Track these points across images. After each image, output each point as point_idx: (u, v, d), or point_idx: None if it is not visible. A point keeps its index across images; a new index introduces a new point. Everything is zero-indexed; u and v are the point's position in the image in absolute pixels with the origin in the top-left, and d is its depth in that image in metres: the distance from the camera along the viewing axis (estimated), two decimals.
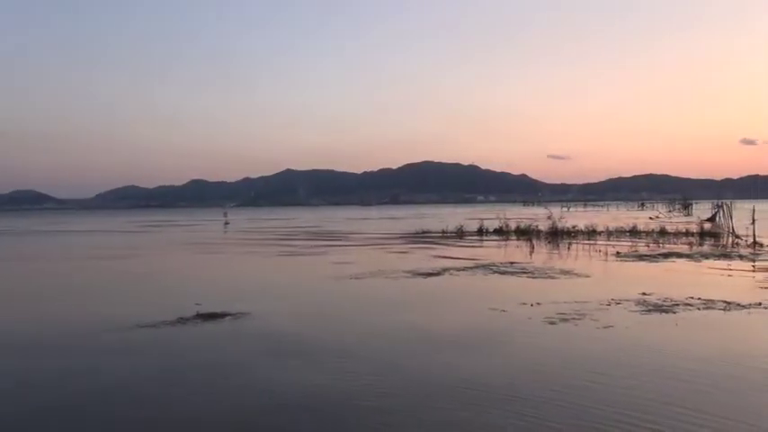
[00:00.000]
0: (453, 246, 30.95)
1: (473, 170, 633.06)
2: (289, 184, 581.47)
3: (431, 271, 19.03)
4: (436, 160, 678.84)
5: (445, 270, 19.16)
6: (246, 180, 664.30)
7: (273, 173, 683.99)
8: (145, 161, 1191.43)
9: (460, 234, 38.58)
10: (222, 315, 11.99)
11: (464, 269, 19.39)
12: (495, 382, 7.52)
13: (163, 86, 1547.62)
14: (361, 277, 18.01)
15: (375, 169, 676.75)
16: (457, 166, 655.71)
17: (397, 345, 9.64)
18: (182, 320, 11.53)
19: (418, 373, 7.94)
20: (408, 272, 18.92)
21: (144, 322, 11.35)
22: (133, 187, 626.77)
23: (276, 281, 18.80)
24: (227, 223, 68.14)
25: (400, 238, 39.09)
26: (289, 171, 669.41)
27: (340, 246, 33.66)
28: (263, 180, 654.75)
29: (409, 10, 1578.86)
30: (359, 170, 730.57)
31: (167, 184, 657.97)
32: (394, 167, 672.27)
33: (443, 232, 40.68)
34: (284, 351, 9.33)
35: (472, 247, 30.14)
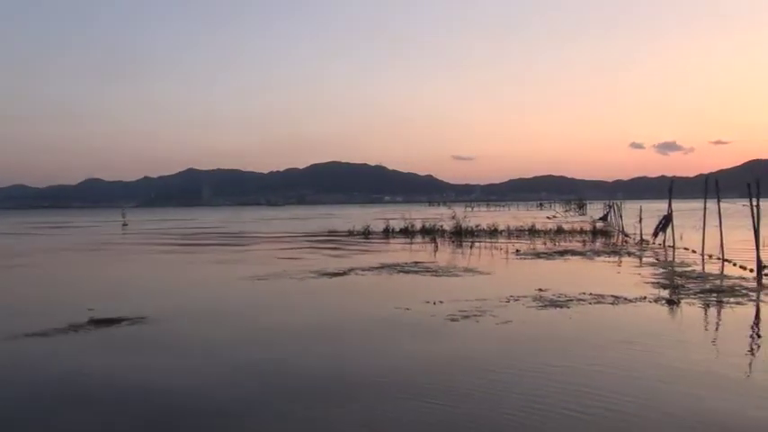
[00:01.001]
0: (360, 246, 31.10)
1: (380, 171, 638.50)
2: (192, 184, 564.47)
3: (336, 271, 19.03)
4: (343, 160, 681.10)
5: (351, 270, 19.21)
6: (146, 179, 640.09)
7: (175, 172, 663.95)
8: (34, 159, 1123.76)
9: (367, 234, 38.81)
10: (118, 320, 11.46)
11: (370, 269, 19.52)
12: (394, 378, 7.61)
13: (55, 79, 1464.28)
14: (266, 278, 17.76)
15: (281, 169, 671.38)
16: (364, 166, 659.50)
17: (294, 344, 9.58)
18: (73, 327, 10.92)
19: (312, 372, 7.92)
20: (314, 272, 18.84)
21: (32, 330, 10.67)
22: (21, 186, 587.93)
23: (177, 283, 18.24)
24: (125, 224, 65.22)
25: (307, 238, 38.86)
26: (192, 170, 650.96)
27: (245, 247, 33.06)
28: (164, 180, 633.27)
29: (317, 9, 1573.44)
30: (265, 170, 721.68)
31: (59, 183, 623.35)
32: (301, 167, 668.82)
33: (350, 232, 40.80)
34: (180, 354, 9.06)
35: (378, 247, 30.39)
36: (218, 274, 20.27)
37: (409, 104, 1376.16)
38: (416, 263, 21.19)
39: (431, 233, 36.29)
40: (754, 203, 16.98)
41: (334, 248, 29.80)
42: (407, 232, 39.12)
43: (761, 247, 17.19)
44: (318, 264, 21.41)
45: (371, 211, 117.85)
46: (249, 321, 11.73)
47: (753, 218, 17.04)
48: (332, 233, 42.25)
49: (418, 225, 40.27)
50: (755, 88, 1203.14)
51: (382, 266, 20.09)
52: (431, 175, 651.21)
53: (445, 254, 25.24)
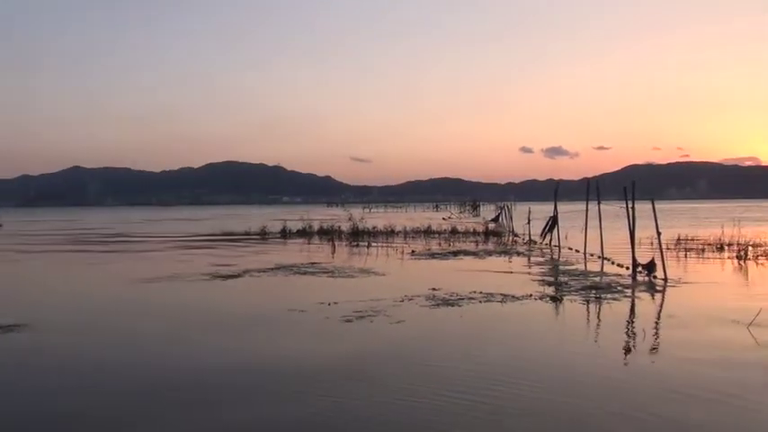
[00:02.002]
0: (256, 247, 30.54)
1: (278, 171, 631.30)
2: (77, 183, 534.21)
3: (230, 273, 18.59)
4: (240, 160, 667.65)
5: (246, 272, 18.82)
6: (25, 177, 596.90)
7: (58, 170, 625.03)
8: None
9: (264, 235, 38.22)
10: None
11: (265, 270, 19.21)
12: (284, 380, 7.53)
13: None
14: (156, 281, 17.08)
15: (175, 168, 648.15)
16: (262, 166, 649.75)
17: (179, 347, 9.27)
18: None
19: (197, 374, 7.70)
20: (207, 274, 18.31)
21: None
22: None
23: (59, 288, 17.17)
24: None
25: (201, 239, 37.74)
26: (77, 168, 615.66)
27: (135, 249, 31.60)
28: (46, 178, 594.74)
29: (213, 7, 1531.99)
30: (157, 169, 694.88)
31: None
32: (195, 167, 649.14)
33: (246, 233, 40.01)
34: (58, 365, 8.53)
35: (275, 248, 29.96)
36: (105, 278, 19.29)
37: (308, 105, 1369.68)
38: (313, 264, 21.07)
39: (328, 234, 36.22)
40: (630, 206, 18.13)
41: (229, 250, 29.11)
42: (305, 233, 38.85)
43: (636, 247, 18.39)
44: (211, 266, 20.83)
45: (269, 211, 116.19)
46: (128, 327, 11.19)
47: (628, 219, 18.21)
48: (227, 234, 41.25)
49: (316, 226, 40.11)
50: (634, 99, 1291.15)
51: (278, 268, 19.83)
52: (329, 177, 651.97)
53: (342, 255, 25.26)
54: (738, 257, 21.40)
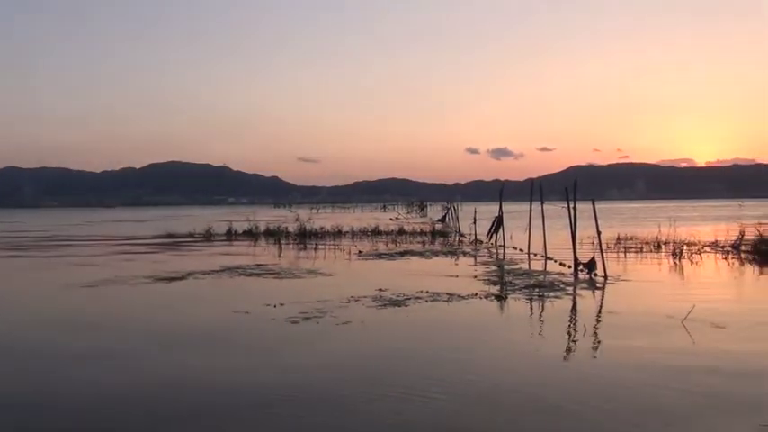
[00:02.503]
0: (200, 249, 30.02)
1: (224, 171, 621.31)
2: (11, 184, 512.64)
3: (173, 275, 18.19)
4: (184, 160, 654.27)
5: (189, 274, 18.46)
6: None
7: None
8: None
9: (209, 237, 37.58)
10: None
11: (210, 272, 18.88)
12: (225, 385, 7.41)
13: None
14: (95, 285, 16.56)
15: (116, 168, 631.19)
16: (207, 166, 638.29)
17: (118, 354, 9.02)
18: None
19: (140, 380, 7.51)
20: (149, 277, 17.87)
21: None
22: None
23: None
24: None
25: (143, 242, 36.83)
26: (12, 168, 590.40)
27: (72, 253, 30.56)
28: None
29: (155, 6, 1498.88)
30: (97, 169, 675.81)
31: None
32: (137, 167, 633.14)
33: (191, 235, 39.26)
34: None
35: (220, 249, 29.49)
36: (42, 282, 18.62)
37: (254, 104, 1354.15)
38: (259, 265, 20.83)
39: (275, 235, 35.88)
40: (571, 206, 18.59)
41: (173, 252, 28.51)
42: (251, 234, 38.36)
43: (577, 246, 18.86)
44: (154, 268, 20.34)
45: (214, 212, 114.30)
46: (47, 342, 10.81)
47: (569, 219, 18.67)
48: (171, 236, 40.37)
49: (262, 227, 39.64)
50: (576, 102, 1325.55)
51: (223, 269, 19.52)
52: (276, 177, 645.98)
53: (289, 256, 25.07)
54: (674, 256, 22.18)
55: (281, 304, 12.67)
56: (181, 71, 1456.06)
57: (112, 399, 7.00)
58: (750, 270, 18.90)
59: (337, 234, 36.79)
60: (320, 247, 29.01)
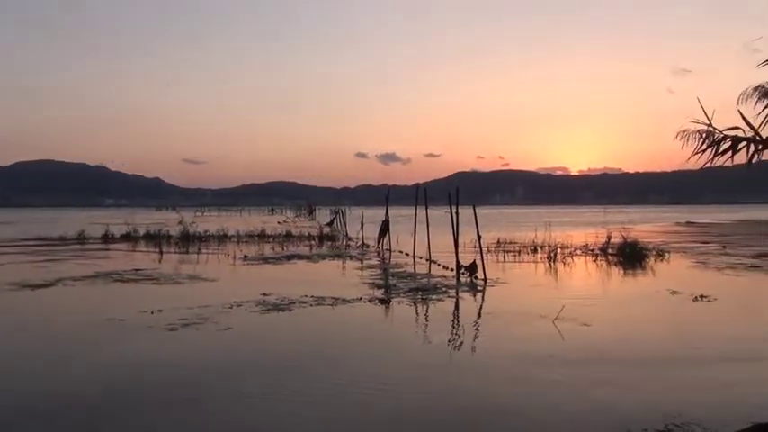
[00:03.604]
0: (73, 253, 28.19)
1: (102, 171, 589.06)
2: None
3: (42, 282, 16.97)
4: (57, 159, 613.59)
5: (59, 280, 17.29)
6: None
7: None
8: None
9: (82, 240, 35.43)
10: None
11: (82, 278, 17.78)
12: (90, 395, 7.02)
13: None
14: None
15: None
16: (82, 166, 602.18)
17: None
18: None
19: None
20: (13, 284, 16.54)
21: None
22: None
23: None
24: None
25: (8, 245, 34.12)
26: None
27: None
28: None
29: (30, 2, 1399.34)
30: None
31: None
32: (3, 165, 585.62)
33: (62, 239, 36.77)
34: None
35: (95, 254, 27.86)
36: None
37: (137, 103, 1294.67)
38: (137, 270, 19.88)
39: (156, 239, 34.40)
40: (454, 210, 19.18)
41: (42, 257, 26.59)
42: (130, 238, 36.54)
43: (459, 250, 19.46)
44: (19, 274, 18.86)
45: (90, 215, 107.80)
46: None
47: (452, 224, 19.26)
48: (40, 239, 37.67)
49: (142, 230, 37.84)
50: (460, 111, 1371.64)
51: (97, 275, 18.46)
52: (159, 179, 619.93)
53: (170, 261, 24.11)
54: (549, 259, 23.42)
55: (160, 311, 12.15)
56: (55, 68, 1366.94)
57: None
58: (616, 271, 20.29)
59: (222, 238, 35.84)
60: (204, 251, 28.15)
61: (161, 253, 27.32)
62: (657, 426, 6.04)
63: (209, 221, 58.24)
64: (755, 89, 7.89)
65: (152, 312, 11.99)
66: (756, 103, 7.81)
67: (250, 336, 10.26)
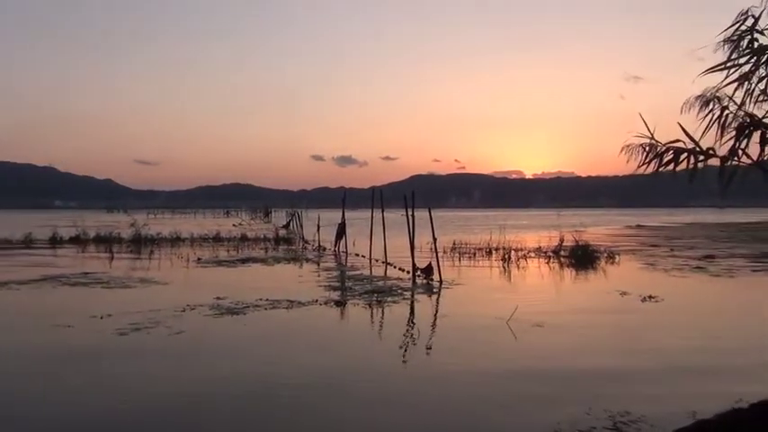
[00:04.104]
0: (19, 256, 27.28)
1: (50, 172, 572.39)
2: None
3: None
4: (2, 159, 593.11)
5: (3, 284, 16.67)
6: None
7: None
8: None
9: (29, 243, 34.34)
10: None
11: (28, 282, 17.24)
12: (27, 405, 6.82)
13: None
14: None
15: None
16: (30, 166, 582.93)
17: None
18: None
19: None
20: None
21: None
22: None
23: None
24: None
25: None
26: None
27: None
28: None
29: None
30: None
31: None
32: None
33: (7, 241, 35.54)
34: None
35: (42, 257, 27.04)
36: None
37: (88, 103, 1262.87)
38: (86, 274, 19.36)
39: (106, 242, 33.58)
40: (410, 213, 19.29)
41: None
42: (79, 241, 35.58)
43: (416, 252, 19.57)
44: None
45: (38, 217, 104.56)
46: None
47: (408, 226, 19.36)
48: None
49: (92, 233, 36.86)
50: (417, 114, 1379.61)
51: (44, 279, 17.91)
52: (110, 180, 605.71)
53: (121, 264, 23.55)
54: (503, 261, 23.74)
55: (109, 315, 11.86)
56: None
57: None
58: (568, 273, 20.69)
59: (176, 240, 35.22)
60: (156, 254, 27.60)
61: (112, 256, 26.68)
62: (606, 424, 6.19)
63: (162, 224, 57.16)
64: (697, 98, 8.20)
65: (101, 317, 11.70)
66: (699, 112, 8.13)
67: (202, 340, 10.10)
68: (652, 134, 8.26)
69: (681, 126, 8.04)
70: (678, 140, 8.11)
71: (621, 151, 8.37)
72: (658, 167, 8.21)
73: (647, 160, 8.29)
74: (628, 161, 8.31)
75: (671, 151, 8.13)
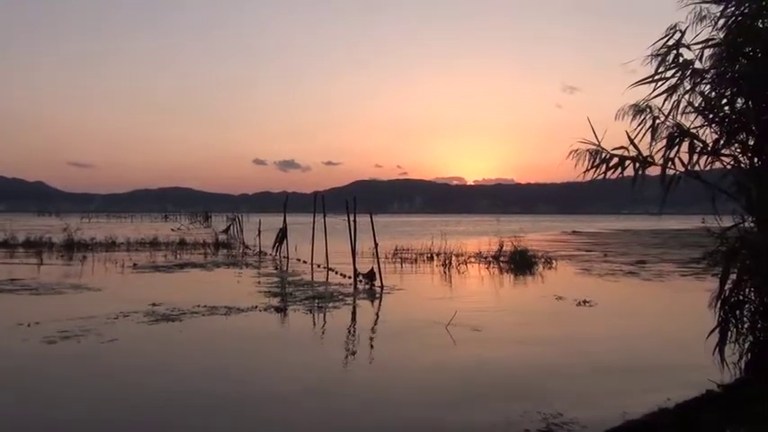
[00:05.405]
0: None
1: None
2: None
3: None
4: None
5: None
6: None
7: None
8: None
9: None
10: None
11: None
12: None
13: None
14: None
15: None
16: None
17: None
18: None
19: None
20: None
21: None
22: None
23: None
24: None
25: None
26: None
27: None
28: None
29: None
30: None
31: None
32: None
33: None
34: None
35: None
36: None
37: (17, 102, 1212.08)
38: (13, 280, 18.53)
39: (36, 246, 32.22)
40: (352, 219, 19.28)
41: None
42: (7, 245, 34.00)
43: (358, 257, 19.57)
44: None
45: None
46: None
47: (349, 232, 19.34)
48: None
49: (21, 237, 35.34)
50: (358, 120, 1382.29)
51: None
52: (41, 182, 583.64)
53: (52, 269, 22.64)
54: (444, 266, 23.99)
55: (37, 323, 11.39)
56: None
57: None
58: (507, 278, 21.07)
59: (111, 245, 34.10)
60: (90, 259, 26.69)
61: (41, 261, 25.63)
62: (540, 426, 6.32)
63: (96, 228, 55.45)
64: (631, 107, 8.55)
65: (29, 325, 11.22)
66: (632, 120, 8.48)
67: (135, 348, 9.81)
68: (599, 141, 8.55)
69: (627, 134, 8.39)
70: (622, 147, 8.46)
71: (569, 156, 8.64)
72: (605, 173, 8.53)
73: (594, 165, 8.59)
74: (576, 165, 8.58)
75: (616, 158, 8.48)
